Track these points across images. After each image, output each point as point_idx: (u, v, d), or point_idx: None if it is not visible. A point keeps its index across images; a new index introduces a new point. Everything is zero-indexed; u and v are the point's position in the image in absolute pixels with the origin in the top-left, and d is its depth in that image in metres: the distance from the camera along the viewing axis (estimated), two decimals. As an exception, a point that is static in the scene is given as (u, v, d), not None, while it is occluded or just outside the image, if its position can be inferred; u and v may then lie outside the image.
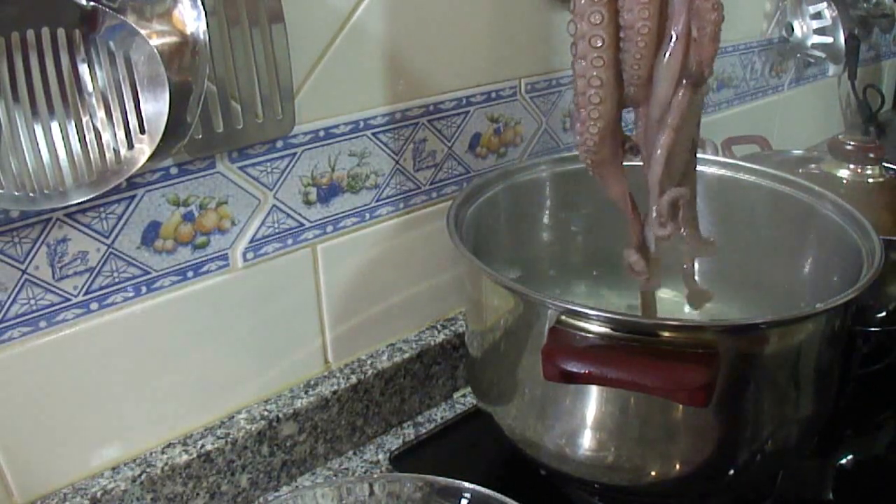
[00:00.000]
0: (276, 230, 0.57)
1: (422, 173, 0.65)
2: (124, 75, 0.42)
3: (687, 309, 0.62)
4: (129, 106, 0.42)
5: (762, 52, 1.01)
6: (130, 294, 0.51)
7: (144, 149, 0.43)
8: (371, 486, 0.48)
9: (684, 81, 0.45)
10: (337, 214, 0.60)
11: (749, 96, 1.03)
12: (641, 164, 0.50)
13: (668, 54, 0.45)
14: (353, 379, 0.63)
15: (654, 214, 0.49)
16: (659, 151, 0.47)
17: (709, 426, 0.48)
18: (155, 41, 0.43)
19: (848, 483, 0.62)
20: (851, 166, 0.76)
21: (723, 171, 0.65)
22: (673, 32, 0.44)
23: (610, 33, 0.45)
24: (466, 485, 0.47)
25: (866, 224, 0.54)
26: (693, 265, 0.53)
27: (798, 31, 1.04)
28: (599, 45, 0.45)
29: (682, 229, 0.51)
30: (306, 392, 0.61)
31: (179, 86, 0.44)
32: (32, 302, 0.47)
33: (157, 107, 0.43)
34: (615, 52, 0.45)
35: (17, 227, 0.45)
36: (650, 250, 0.53)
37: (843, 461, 0.65)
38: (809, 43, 1.05)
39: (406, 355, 0.67)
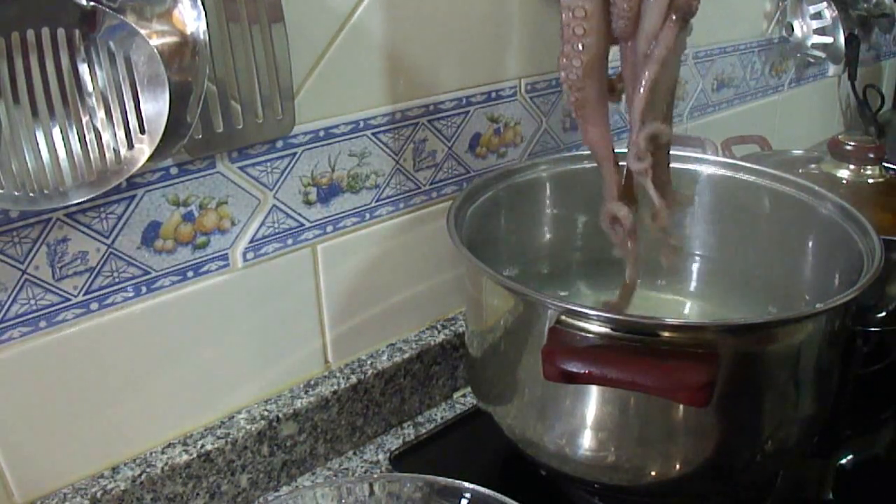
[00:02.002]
0: (276, 230, 0.57)
1: (422, 173, 0.65)
2: (124, 75, 0.42)
3: (687, 310, 0.62)
4: (129, 106, 0.42)
5: (762, 52, 1.01)
6: (130, 294, 0.51)
7: (144, 149, 0.43)
8: (371, 486, 0.48)
9: (672, 16, 0.46)
10: (337, 214, 0.60)
11: (749, 96, 1.03)
12: (625, 100, 0.49)
13: None
14: (353, 379, 0.63)
15: (632, 146, 0.49)
16: (644, 83, 0.47)
17: (709, 426, 0.48)
18: (155, 41, 0.43)
19: (848, 483, 0.62)
20: (851, 166, 0.76)
21: (723, 171, 0.65)
22: None
23: None
24: (466, 485, 0.47)
25: (866, 224, 0.54)
26: (663, 218, 0.53)
27: (798, 31, 1.04)
28: None
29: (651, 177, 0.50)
30: (306, 392, 0.61)
31: (179, 86, 0.44)
32: (32, 302, 0.47)
33: (157, 107, 0.43)
34: None
35: (17, 227, 0.45)
36: (634, 202, 0.53)
37: (843, 461, 0.65)
38: (809, 43, 1.05)
39: (406, 355, 0.67)
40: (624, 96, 0.50)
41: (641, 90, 0.47)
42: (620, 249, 0.55)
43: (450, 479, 0.48)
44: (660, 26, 0.46)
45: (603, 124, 0.50)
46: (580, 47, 0.47)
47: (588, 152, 0.67)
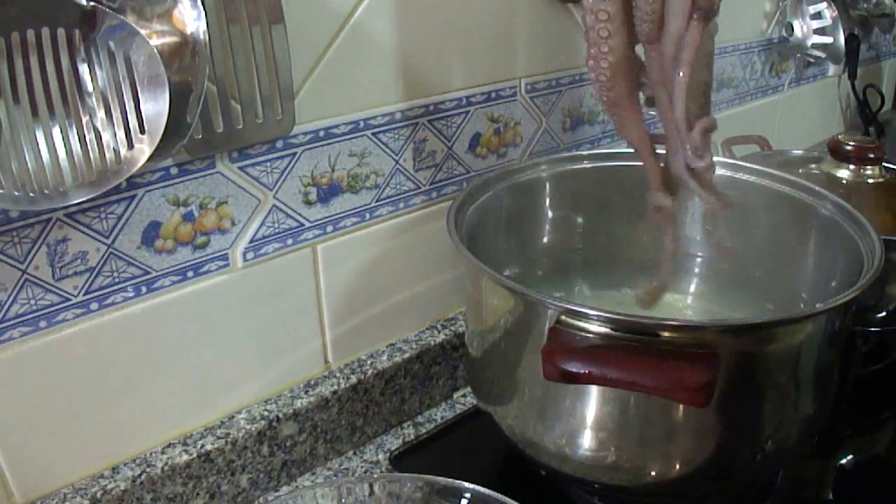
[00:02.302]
0: (276, 230, 0.57)
1: (422, 173, 0.65)
2: (124, 75, 0.42)
3: (687, 310, 0.62)
4: (129, 106, 0.42)
5: (762, 52, 1.01)
6: (130, 294, 0.51)
7: (144, 149, 0.43)
8: (371, 486, 0.48)
9: (694, 16, 0.46)
10: (337, 214, 0.60)
11: (749, 96, 1.03)
12: (657, 109, 0.50)
13: None
14: (353, 379, 0.63)
15: (689, 148, 0.49)
16: (680, 87, 0.48)
17: (709, 426, 0.48)
18: (155, 41, 0.43)
19: (848, 483, 0.62)
20: (851, 166, 0.76)
21: (723, 171, 0.65)
22: None
23: None
24: (466, 485, 0.47)
25: (866, 224, 0.54)
26: (715, 221, 0.54)
27: (798, 31, 1.04)
28: None
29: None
30: (306, 392, 0.61)
31: (179, 86, 0.44)
32: (32, 302, 0.47)
33: (157, 107, 0.43)
34: None
35: (17, 227, 0.45)
36: (676, 189, 0.53)
37: (843, 461, 0.65)
38: (809, 43, 1.05)
39: (406, 355, 0.67)
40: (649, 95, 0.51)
41: (679, 96, 0.48)
42: (661, 232, 0.56)
43: (450, 479, 0.48)
44: (684, 27, 0.46)
45: (637, 119, 0.51)
46: (606, 49, 0.47)
47: (588, 152, 0.67)
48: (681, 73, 0.47)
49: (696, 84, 0.49)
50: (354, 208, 0.61)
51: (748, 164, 0.65)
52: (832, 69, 1.16)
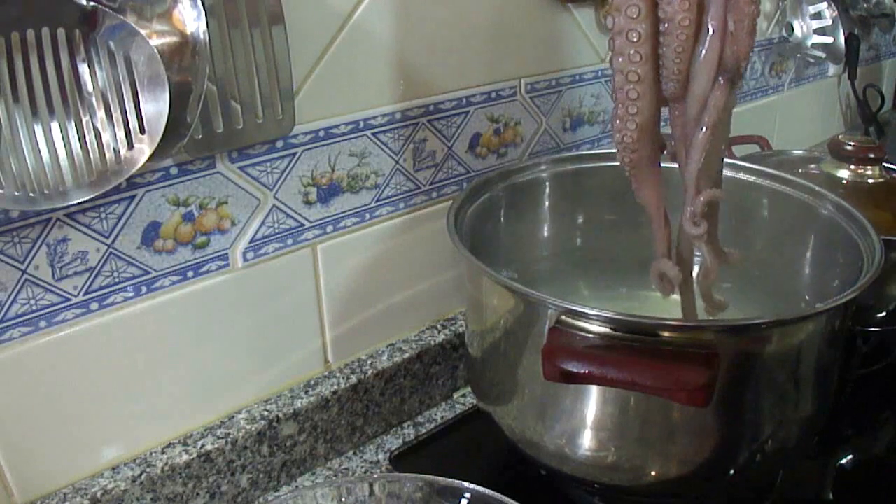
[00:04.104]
0: (276, 230, 0.57)
1: (422, 173, 0.65)
2: (124, 75, 0.42)
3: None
4: (129, 106, 0.42)
5: (762, 52, 1.01)
6: (130, 294, 0.51)
7: (144, 149, 0.43)
8: (371, 486, 0.48)
9: (720, 78, 0.45)
10: (337, 214, 0.60)
11: (749, 96, 1.03)
12: (677, 165, 0.50)
13: (705, 49, 0.44)
14: (353, 379, 0.63)
15: (689, 212, 0.49)
16: (697, 149, 0.47)
17: (709, 426, 0.48)
18: (155, 41, 0.43)
19: (848, 483, 0.62)
20: (851, 166, 0.76)
21: (723, 172, 0.65)
22: (710, 26, 0.44)
23: (647, 27, 0.44)
24: (466, 485, 0.47)
25: (866, 224, 0.54)
26: (713, 277, 0.53)
27: (798, 31, 1.04)
28: (636, 39, 0.45)
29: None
30: (306, 392, 0.61)
31: (179, 86, 0.44)
32: (32, 302, 0.47)
33: (157, 107, 0.43)
34: (653, 46, 0.45)
35: (17, 227, 0.45)
36: (683, 258, 0.53)
37: (843, 461, 0.65)
38: (809, 43, 1.05)
39: (406, 355, 0.67)
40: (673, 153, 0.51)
41: (695, 157, 0.47)
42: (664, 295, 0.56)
43: (450, 479, 0.48)
44: (709, 89, 0.45)
45: (655, 184, 0.51)
46: (634, 110, 0.47)
47: (588, 152, 0.67)
48: (701, 134, 0.47)
49: (717, 145, 0.48)
50: (354, 208, 0.61)
51: (748, 164, 0.65)
52: (832, 69, 1.16)
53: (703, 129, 0.46)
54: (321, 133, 0.57)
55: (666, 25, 0.44)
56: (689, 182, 0.48)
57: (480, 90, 0.67)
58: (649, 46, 0.45)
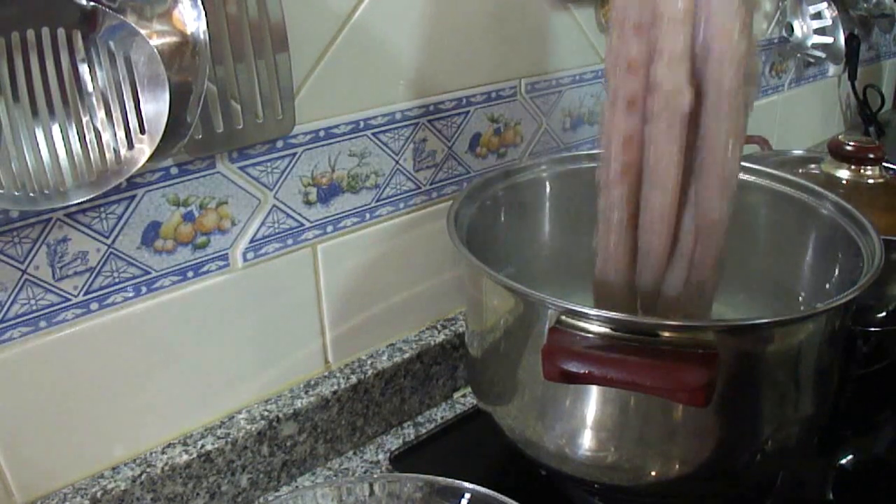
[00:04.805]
0: (276, 230, 0.57)
1: (422, 173, 0.65)
2: (124, 75, 0.42)
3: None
4: (129, 106, 0.42)
5: (762, 52, 1.01)
6: (130, 294, 0.51)
7: (144, 149, 0.43)
8: (371, 486, 0.48)
9: (685, 290, 0.50)
10: (337, 214, 0.60)
11: (749, 96, 1.02)
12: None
13: (673, 271, 0.50)
14: (353, 379, 0.63)
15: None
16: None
17: (709, 426, 0.48)
18: (155, 41, 0.43)
19: (848, 483, 0.62)
20: (851, 166, 0.76)
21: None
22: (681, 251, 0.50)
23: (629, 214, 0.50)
24: (466, 485, 0.47)
25: (866, 224, 0.54)
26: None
27: (798, 31, 1.04)
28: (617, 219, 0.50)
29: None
30: (306, 392, 0.61)
31: (179, 86, 0.44)
32: (32, 302, 0.47)
33: (157, 107, 0.43)
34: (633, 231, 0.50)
35: (17, 227, 0.45)
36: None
37: (843, 461, 0.65)
38: (809, 43, 1.05)
39: (406, 355, 0.67)
40: None
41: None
42: None
43: (450, 479, 0.48)
44: (678, 295, 0.51)
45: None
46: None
47: (588, 152, 0.67)
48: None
49: None
50: (354, 208, 0.61)
51: (748, 164, 0.65)
52: (832, 69, 1.16)
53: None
54: (321, 133, 0.57)
55: (642, 238, 0.50)
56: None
57: (480, 90, 0.67)
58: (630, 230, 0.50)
